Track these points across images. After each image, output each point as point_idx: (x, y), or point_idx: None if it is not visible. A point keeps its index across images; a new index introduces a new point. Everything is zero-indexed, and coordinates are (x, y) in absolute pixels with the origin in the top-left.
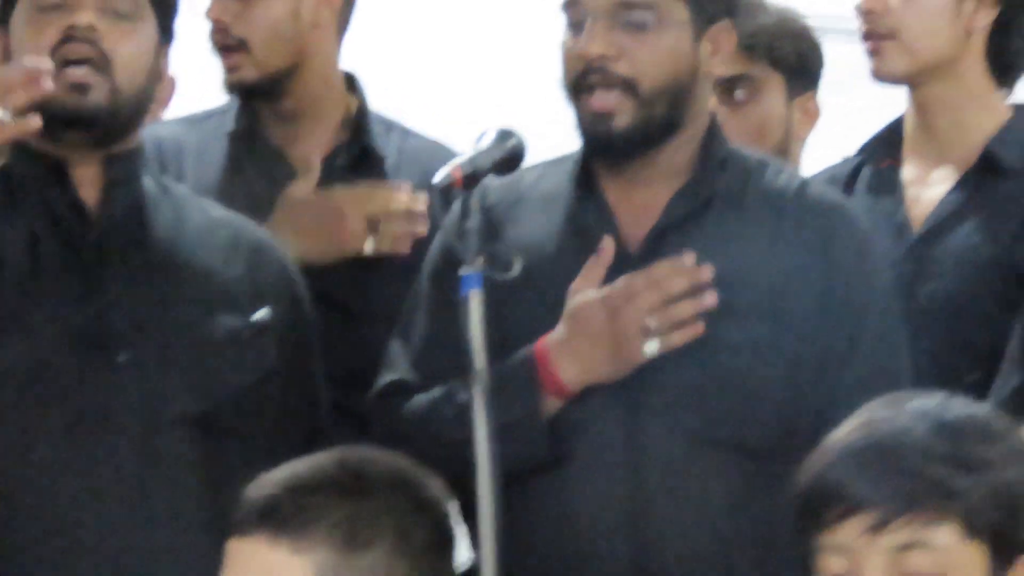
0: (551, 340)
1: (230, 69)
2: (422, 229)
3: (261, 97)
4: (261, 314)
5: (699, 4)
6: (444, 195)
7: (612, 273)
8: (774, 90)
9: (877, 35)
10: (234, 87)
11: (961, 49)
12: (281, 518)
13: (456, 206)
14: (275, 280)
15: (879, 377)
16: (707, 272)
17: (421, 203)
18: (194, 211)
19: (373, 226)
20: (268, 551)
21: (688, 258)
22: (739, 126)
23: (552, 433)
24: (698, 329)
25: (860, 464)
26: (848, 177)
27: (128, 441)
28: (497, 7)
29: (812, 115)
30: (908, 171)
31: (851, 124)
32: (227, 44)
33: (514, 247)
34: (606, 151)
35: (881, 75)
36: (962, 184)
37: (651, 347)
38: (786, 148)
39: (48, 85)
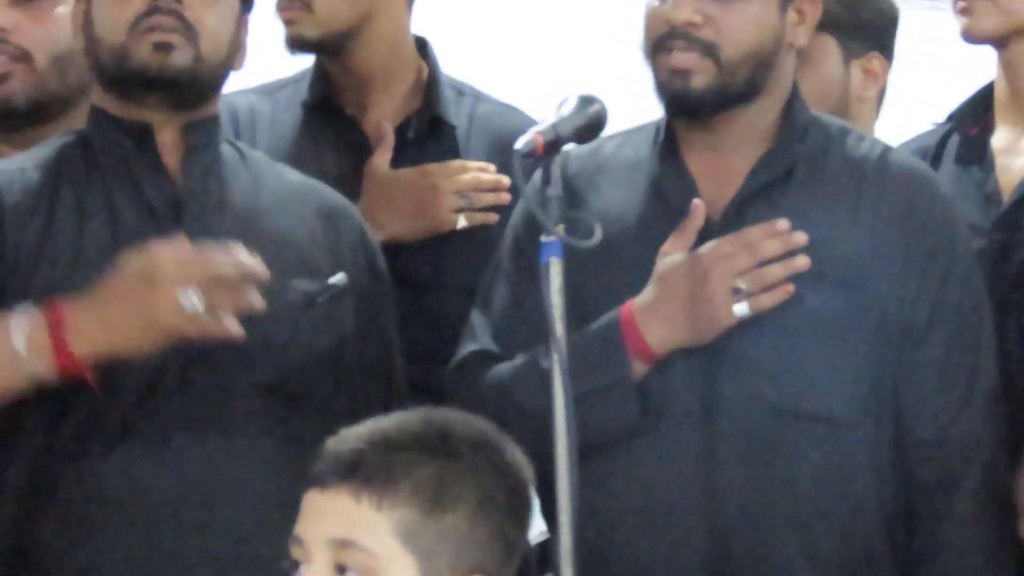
0: (638, 304)
1: (289, 22)
2: (507, 198)
3: (324, 56)
4: (337, 278)
5: None
6: (526, 161)
7: (695, 241)
8: (826, 52)
9: None
10: (294, 43)
11: None
12: (366, 473)
13: (537, 173)
14: (351, 245)
15: (960, 347)
16: (801, 237)
17: (505, 177)
18: (271, 176)
19: (463, 199)
20: (351, 505)
21: (782, 223)
22: None
23: (640, 398)
24: (789, 289)
25: None
26: (937, 146)
27: (206, 407)
28: None
29: (875, 75)
30: (998, 138)
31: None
32: (290, 2)
33: (596, 215)
34: (683, 110)
35: (972, 34)
36: None
37: (741, 308)
38: (846, 110)
39: (259, 303)
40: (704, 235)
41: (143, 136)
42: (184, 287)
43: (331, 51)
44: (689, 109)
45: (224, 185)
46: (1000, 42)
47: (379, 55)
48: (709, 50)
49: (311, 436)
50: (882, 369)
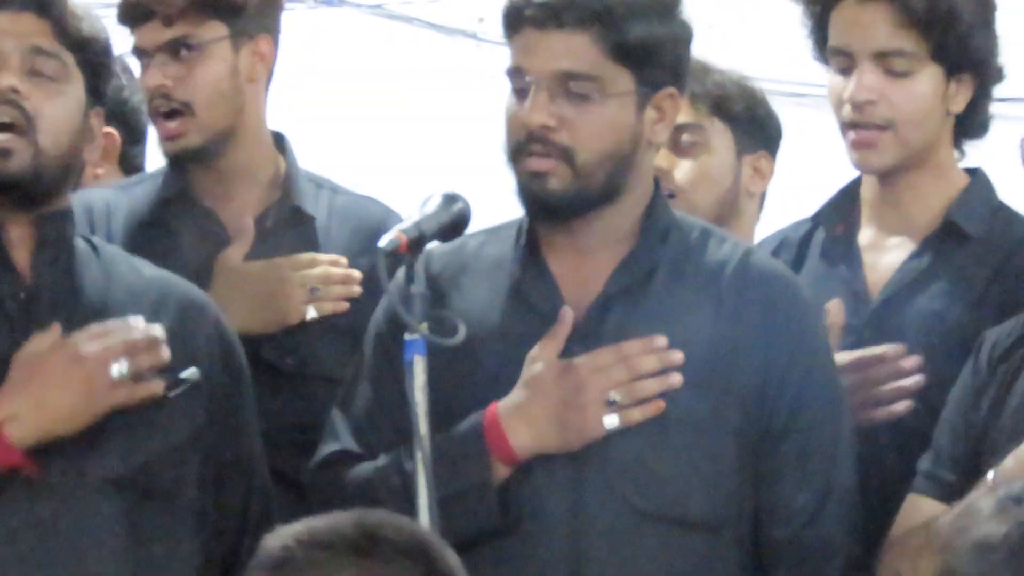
0: (504, 406)
1: (173, 136)
2: (357, 291)
3: (200, 160)
4: (189, 372)
5: (644, 73)
6: (389, 259)
7: None
8: (721, 141)
9: (872, 126)
10: (179, 154)
11: (941, 131)
12: (291, 570)
13: (401, 271)
14: (206, 339)
15: (818, 448)
16: (678, 355)
17: (356, 271)
18: (125, 270)
19: (312, 292)
20: None
21: (660, 339)
22: (688, 170)
23: (501, 502)
24: (660, 406)
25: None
26: (800, 244)
27: (55, 502)
28: (443, 71)
29: (764, 174)
30: (864, 236)
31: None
32: (171, 109)
33: (459, 315)
34: (542, 212)
35: (869, 167)
36: (922, 250)
37: (611, 421)
38: (734, 202)
39: (166, 355)
40: (568, 337)
41: None
42: (112, 359)
43: (210, 156)
44: (548, 212)
45: (75, 279)
46: (891, 171)
47: (245, 151)
48: (564, 154)
49: (163, 533)
50: (743, 471)
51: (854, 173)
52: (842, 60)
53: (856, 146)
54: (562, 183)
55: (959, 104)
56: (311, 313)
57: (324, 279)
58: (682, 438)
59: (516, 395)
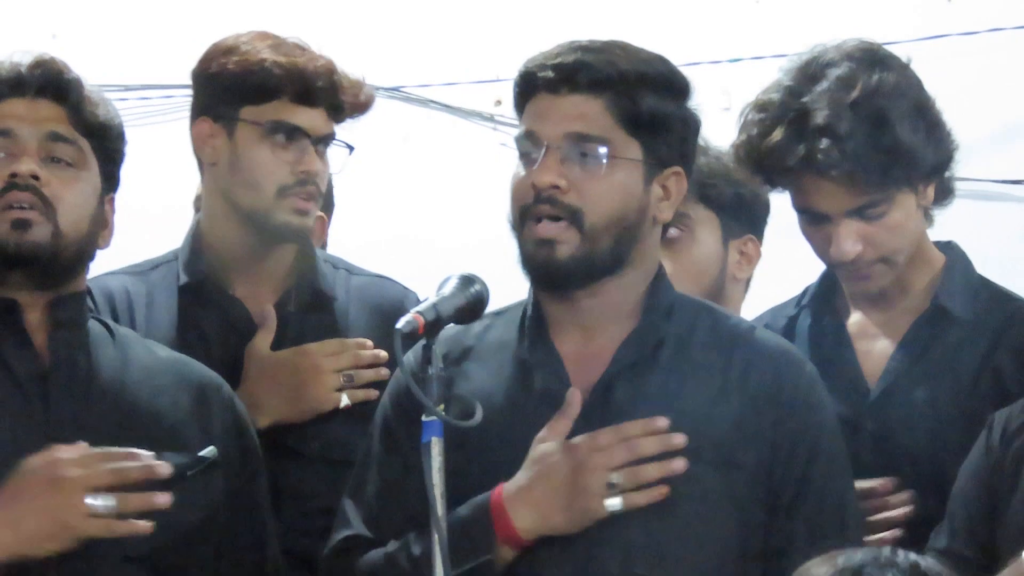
0: (509, 488)
1: (305, 213)
2: (386, 373)
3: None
4: (207, 451)
5: (653, 146)
6: (407, 341)
7: None
8: (708, 229)
9: (866, 266)
10: (301, 233)
11: (920, 227)
12: None
13: (415, 352)
14: (221, 419)
15: (830, 522)
16: (680, 439)
17: (383, 352)
18: (140, 352)
19: (346, 378)
20: None
21: (661, 421)
22: (673, 263)
23: None
24: (663, 492)
25: None
26: (785, 329)
27: None
28: (460, 153)
29: (751, 257)
30: (853, 325)
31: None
32: (315, 195)
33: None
34: (548, 281)
35: (870, 292)
36: (913, 336)
37: (613, 503)
38: (721, 288)
39: (164, 501)
40: None
41: (9, 312)
42: (92, 491)
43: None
44: (555, 280)
45: (91, 360)
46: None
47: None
48: (573, 216)
49: None
50: (749, 547)
51: None
52: (813, 218)
53: (852, 282)
54: (569, 249)
55: (929, 199)
56: (344, 400)
57: (354, 364)
58: (690, 514)
59: (521, 477)
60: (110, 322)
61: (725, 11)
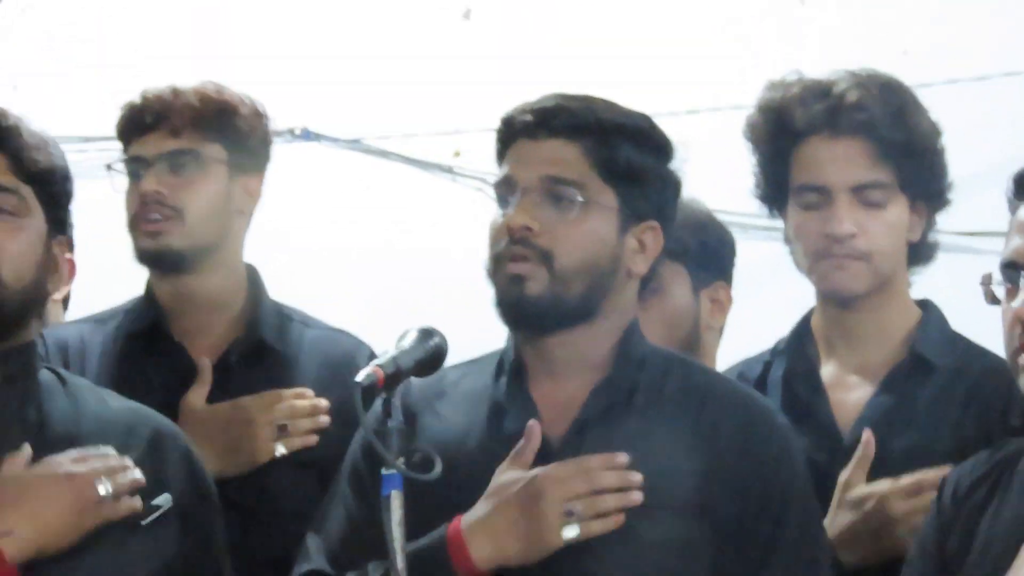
0: (467, 519)
1: (155, 233)
2: (325, 421)
3: (174, 272)
4: (161, 499)
5: (629, 196)
6: (365, 393)
7: (534, 465)
8: (677, 282)
9: (849, 258)
10: (157, 252)
11: (901, 259)
12: None
13: (377, 405)
14: (175, 467)
15: (801, 567)
16: (637, 476)
17: (322, 400)
18: (92, 402)
19: (280, 429)
20: None
21: (621, 456)
22: (646, 319)
23: None
24: (619, 520)
25: None
26: (758, 381)
27: None
28: (419, 204)
29: (722, 304)
30: (827, 374)
31: (765, 320)
32: (161, 213)
33: (436, 440)
34: (520, 319)
35: (844, 290)
36: (888, 385)
37: (570, 532)
38: (698, 338)
39: (140, 477)
40: (545, 459)
41: None
42: (96, 479)
43: (186, 266)
44: (525, 318)
45: (43, 413)
46: (858, 298)
47: (220, 278)
48: (544, 257)
49: None
50: None
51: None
52: (812, 196)
53: (831, 272)
54: (539, 287)
55: (916, 233)
56: (280, 450)
57: (291, 414)
58: (659, 564)
59: (479, 508)
60: (61, 371)
61: (682, 63)
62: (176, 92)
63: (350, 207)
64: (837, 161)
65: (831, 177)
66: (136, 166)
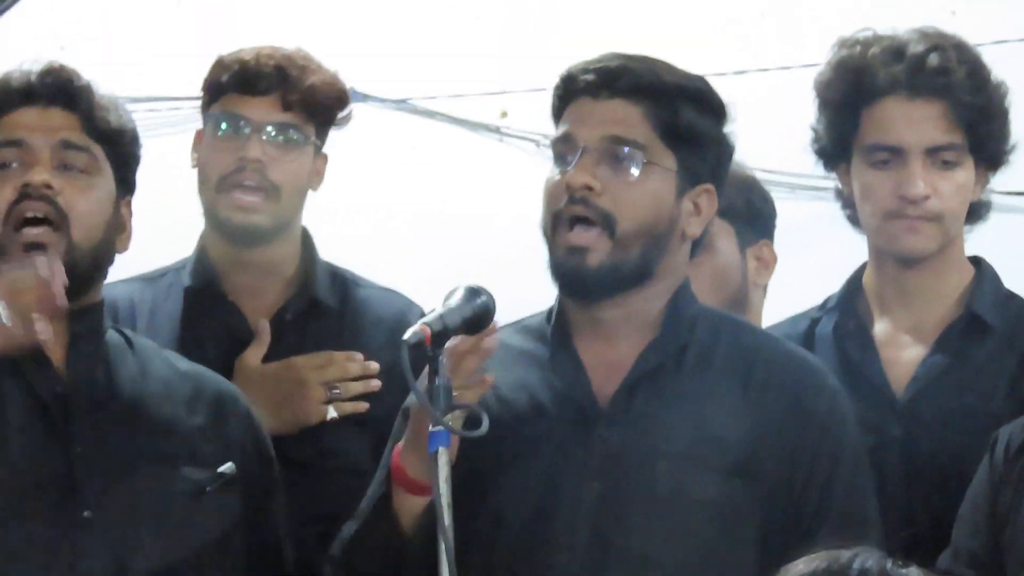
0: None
1: (248, 209)
2: (377, 385)
3: (250, 244)
4: (226, 467)
5: (688, 159)
6: (413, 352)
7: (582, 430)
8: (725, 240)
9: (922, 218)
10: (247, 229)
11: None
12: None
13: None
14: (239, 432)
15: (850, 530)
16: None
17: (373, 363)
18: (158, 363)
19: (331, 390)
20: None
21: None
22: (695, 277)
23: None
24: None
25: None
26: (804, 337)
27: None
28: (466, 165)
29: (767, 262)
30: (880, 331)
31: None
32: (260, 184)
33: (484, 400)
34: (577, 289)
35: (915, 252)
36: (943, 344)
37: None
38: (745, 296)
39: (63, 302)
40: (593, 421)
41: None
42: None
43: (262, 241)
44: (583, 288)
45: (110, 373)
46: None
47: (283, 247)
48: (605, 221)
49: None
50: (773, 553)
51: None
52: (884, 155)
53: (903, 234)
54: (600, 257)
55: (979, 194)
56: (331, 413)
57: (341, 377)
58: (707, 524)
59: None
60: (128, 332)
61: (729, 24)
62: (300, 66)
63: (397, 168)
64: (913, 122)
65: (907, 138)
66: (238, 125)
